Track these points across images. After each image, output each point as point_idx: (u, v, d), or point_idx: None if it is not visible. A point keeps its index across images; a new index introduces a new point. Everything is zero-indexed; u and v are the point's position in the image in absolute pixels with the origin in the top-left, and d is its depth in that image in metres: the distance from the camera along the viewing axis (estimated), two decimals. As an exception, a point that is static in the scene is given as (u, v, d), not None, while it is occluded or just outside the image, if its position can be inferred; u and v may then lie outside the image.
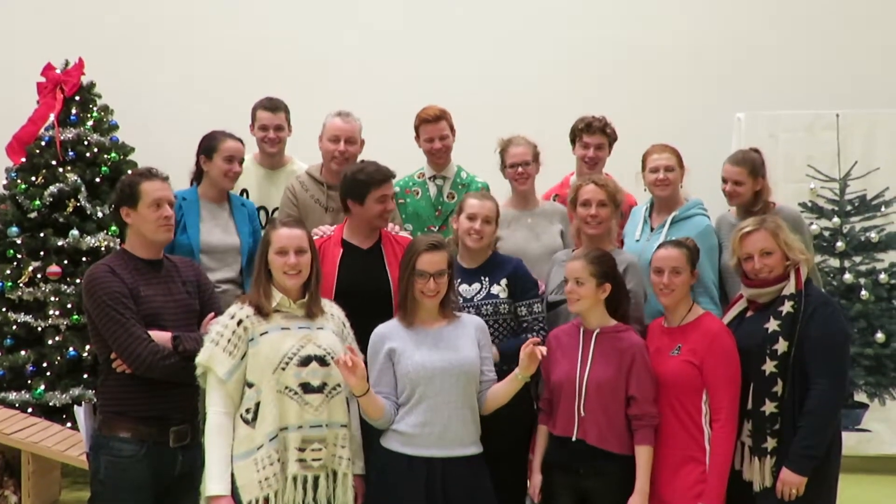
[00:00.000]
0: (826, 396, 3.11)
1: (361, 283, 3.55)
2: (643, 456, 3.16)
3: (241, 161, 4.04)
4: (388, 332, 3.16)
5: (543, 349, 3.04)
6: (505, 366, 3.31)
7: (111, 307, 2.96)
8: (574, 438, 3.19)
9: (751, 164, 3.96)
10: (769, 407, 3.13)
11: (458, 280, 3.54)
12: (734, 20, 6.29)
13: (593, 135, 4.34)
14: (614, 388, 3.18)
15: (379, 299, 3.45)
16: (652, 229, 4.04)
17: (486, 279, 3.57)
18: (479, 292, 3.55)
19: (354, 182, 3.65)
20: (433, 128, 4.32)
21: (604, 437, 3.16)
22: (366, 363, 3.09)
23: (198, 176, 4.06)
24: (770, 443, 3.13)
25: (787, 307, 3.18)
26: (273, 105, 4.43)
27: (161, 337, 3.01)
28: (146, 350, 2.95)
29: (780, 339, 3.14)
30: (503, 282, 3.56)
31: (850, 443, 5.04)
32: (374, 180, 3.62)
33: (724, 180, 3.99)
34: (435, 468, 3.03)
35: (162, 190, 3.16)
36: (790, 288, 3.21)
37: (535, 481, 3.33)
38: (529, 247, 4.01)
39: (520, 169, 4.09)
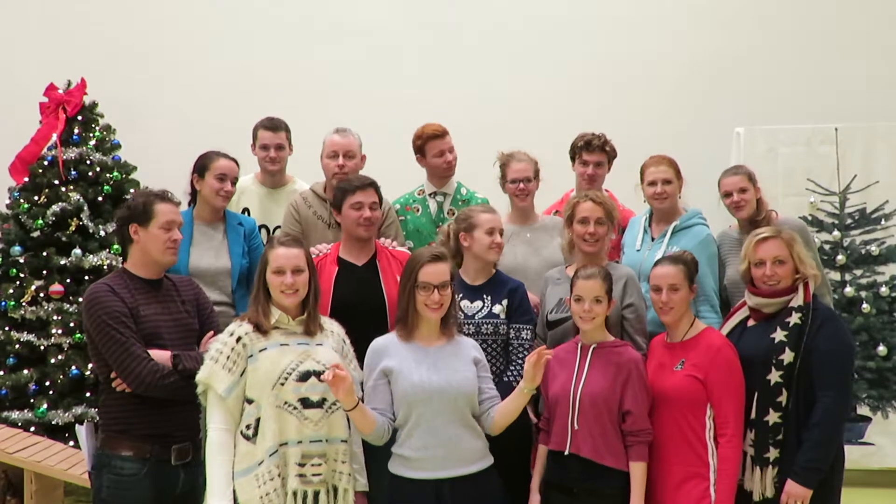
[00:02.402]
0: (832, 409, 3.12)
1: (356, 299, 3.56)
2: (638, 472, 3.15)
3: (235, 181, 4.05)
4: (385, 348, 3.14)
5: (549, 353, 3.03)
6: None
7: (111, 326, 2.98)
8: (567, 452, 3.19)
9: (747, 172, 4.04)
10: (773, 417, 3.14)
11: (460, 295, 3.54)
12: (733, 35, 6.31)
13: (593, 153, 4.35)
14: (608, 401, 3.18)
15: (374, 314, 3.47)
16: (653, 239, 4.06)
17: (489, 298, 3.58)
18: (480, 310, 3.56)
19: (336, 192, 3.76)
20: (442, 142, 4.34)
21: (598, 450, 3.15)
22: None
23: (193, 196, 4.07)
24: (772, 453, 3.14)
25: (794, 318, 3.19)
26: (274, 124, 4.45)
27: (161, 356, 3.03)
28: (146, 369, 2.97)
29: (787, 349, 3.15)
30: (504, 302, 3.57)
31: (854, 456, 5.01)
32: (350, 187, 3.69)
33: (727, 194, 4.01)
34: (443, 489, 3.02)
35: (174, 213, 3.21)
36: (798, 300, 3.23)
37: (534, 502, 3.32)
38: (529, 262, 4.02)
39: (521, 185, 4.09)
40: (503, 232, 3.64)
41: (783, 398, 3.14)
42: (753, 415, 3.18)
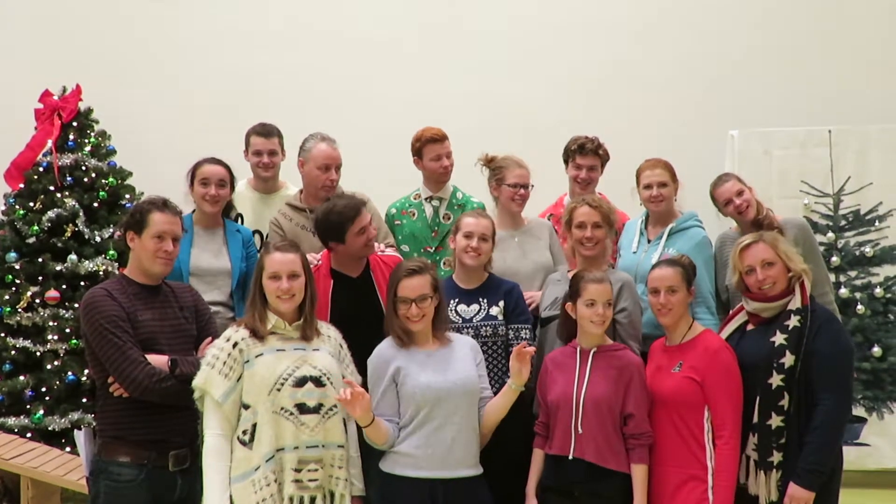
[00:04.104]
0: (833, 412, 3.13)
1: (355, 311, 3.55)
2: (640, 475, 3.16)
3: (222, 183, 4.02)
4: (391, 353, 3.17)
5: (531, 349, 3.08)
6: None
7: (108, 330, 2.98)
8: (571, 457, 3.19)
9: (735, 176, 4.07)
10: (775, 421, 3.14)
11: (457, 300, 3.58)
12: (727, 38, 6.33)
13: (586, 156, 4.36)
14: (611, 405, 3.19)
15: (373, 325, 3.44)
16: (649, 241, 4.07)
17: (485, 300, 3.59)
18: (477, 313, 3.57)
19: (329, 224, 3.61)
20: (440, 147, 4.32)
21: (601, 454, 3.16)
22: (364, 386, 3.11)
23: None
24: (776, 457, 3.13)
25: (793, 321, 3.19)
26: (266, 130, 4.45)
27: (158, 360, 3.03)
28: (142, 373, 2.97)
29: (787, 352, 3.15)
30: (501, 303, 3.58)
31: (850, 457, 4.97)
32: (348, 217, 3.57)
33: (727, 202, 4.02)
34: (437, 490, 3.04)
35: (168, 223, 3.17)
36: (796, 302, 3.23)
37: None
38: (519, 265, 3.99)
39: (521, 191, 4.07)
40: (485, 238, 3.60)
41: (785, 402, 3.14)
42: (756, 419, 3.18)
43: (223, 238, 4.07)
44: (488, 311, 3.57)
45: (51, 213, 5.03)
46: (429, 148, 4.33)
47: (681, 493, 3.15)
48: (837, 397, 3.14)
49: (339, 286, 3.66)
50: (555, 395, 3.28)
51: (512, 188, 4.08)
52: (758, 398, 3.18)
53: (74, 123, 5.32)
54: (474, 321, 3.55)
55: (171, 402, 3.03)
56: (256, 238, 4.36)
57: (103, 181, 5.26)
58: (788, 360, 3.15)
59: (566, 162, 4.46)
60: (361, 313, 3.55)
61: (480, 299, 3.60)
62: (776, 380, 3.15)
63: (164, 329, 3.13)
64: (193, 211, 4.07)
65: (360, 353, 3.22)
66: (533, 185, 4.13)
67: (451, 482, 3.05)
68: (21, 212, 5.10)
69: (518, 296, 3.64)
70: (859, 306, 5.49)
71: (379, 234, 4.09)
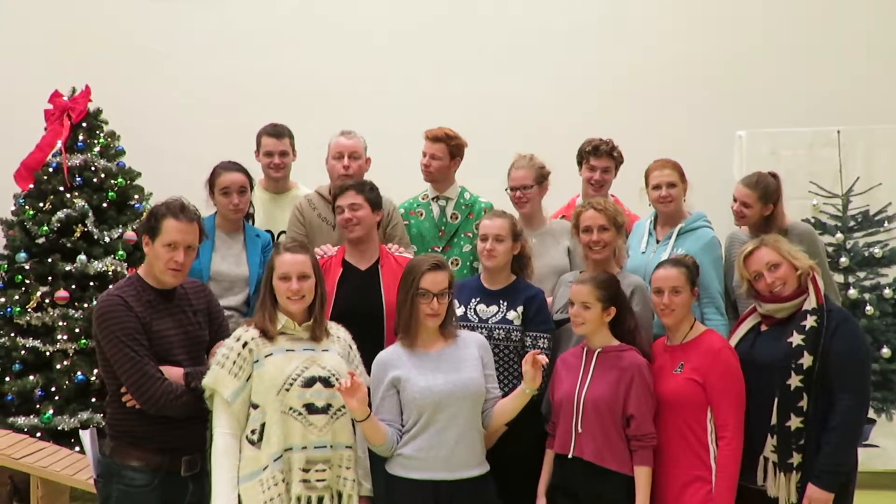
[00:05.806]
0: (852, 412, 3.12)
1: (355, 303, 3.57)
2: (642, 477, 3.15)
3: (242, 191, 4.03)
4: (391, 360, 3.16)
5: (544, 358, 3.06)
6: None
7: (124, 343, 2.94)
8: (570, 455, 3.20)
9: (763, 190, 3.98)
10: (795, 422, 3.13)
11: (478, 300, 3.59)
12: (735, 39, 6.33)
13: (600, 158, 4.37)
14: (611, 405, 3.18)
15: (371, 320, 3.46)
16: (657, 242, 4.07)
17: (505, 303, 3.59)
18: (494, 315, 3.57)
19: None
20: (428, 145, 4.35)
21: (600, 454, 3.16)
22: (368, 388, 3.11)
23: None
24: (796, 458, 3.13)
25: (810, 322, 3.18)
26: (277, 131, 4.47)
27: (173, 374, 3.00)
28: (160, 391, 2.94)
29: (805, 353, 3.14)
30: (519, 308, 3.57)
31: (859, 458, 5.01)
32: (335, 194, 3.82)
33: (735, 199, 4.02)
34: (441, 491, 3.04)
35: (181, 233, 3.07)
36: (811, 302, 3.22)
37: None
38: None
39: (518, 193, 4.10)
40: (500, 238, 3.59)
41: (804, 403, 3.13)
42: (774, 420, 3.16)
43: (243, 244, 4.08)
44: (505, 315, 3.57)
45: (60, 214, 5.04)
46: (425, 143, 4.38)
47: (685, 493, 3.14)
48: (855, 397, 3.13)
49: (347, 276, 3.69)
50: (560, 394, 3.30)
51: (511, 192, 4.13)
52: (776, 400, 3.17)
53: (84, 124, 5.35)
54: (489, 322, 3.55)
55: (188, 415, 3.02)
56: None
57: (112, 182, 5.29)
58: (806, 360, 3.14)
59: (580, 164, 4.46)
60: (362, 306, 3.56)
61: (500, 301, 3.60)
62: (795, 381, 3.14)
63: (178, 337, 3.09)
64: (215, 212, 4.07)
65: (358, 344, 3.21)
66: (542, 184, 4.12)
67: (455, 483, 3.05)
68: (31, 212, 5.12)
69: (540, 302, 3.62)
70: (868, 307, 5.48)
71: (395, 231, 4.10)
